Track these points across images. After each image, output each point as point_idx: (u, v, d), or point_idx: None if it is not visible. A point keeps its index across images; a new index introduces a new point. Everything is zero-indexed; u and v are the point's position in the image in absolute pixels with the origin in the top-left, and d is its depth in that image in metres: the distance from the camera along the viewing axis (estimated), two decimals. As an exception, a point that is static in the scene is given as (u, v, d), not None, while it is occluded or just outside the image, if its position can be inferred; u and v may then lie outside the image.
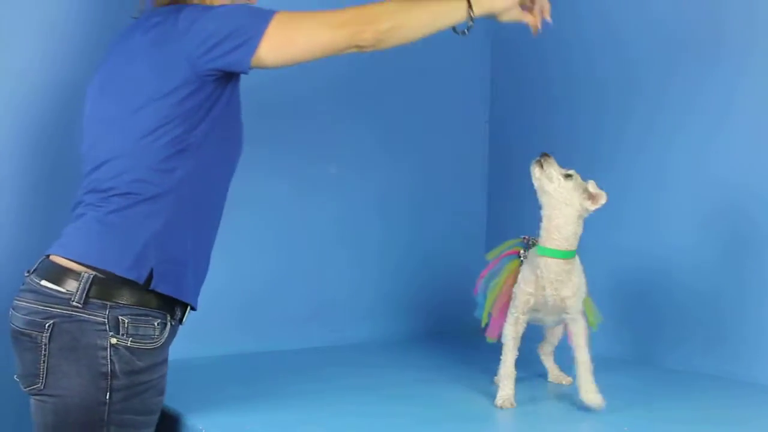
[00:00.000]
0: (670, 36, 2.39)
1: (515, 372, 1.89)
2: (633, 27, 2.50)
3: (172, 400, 1.75)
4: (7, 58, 2.10)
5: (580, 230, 1.85)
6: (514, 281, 1.98)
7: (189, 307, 1.70)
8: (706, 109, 2.30)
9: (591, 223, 2.53)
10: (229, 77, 1.63)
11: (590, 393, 1.82)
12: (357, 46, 1.61)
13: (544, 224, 1.84)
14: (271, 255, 2.54)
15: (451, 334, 2.69)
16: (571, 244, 1.84)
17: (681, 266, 2.34)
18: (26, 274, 1.62)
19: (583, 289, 1.89)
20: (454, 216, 2.91)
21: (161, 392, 1.66)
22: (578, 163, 2.61)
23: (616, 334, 2.38)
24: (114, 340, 1.55)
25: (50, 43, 2.15)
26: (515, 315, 1.90)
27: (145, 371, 1.59)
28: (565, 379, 2.13)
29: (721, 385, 2.14)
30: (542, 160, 1.84)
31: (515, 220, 2.71)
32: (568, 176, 1.84)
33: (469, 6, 1.68)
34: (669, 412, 1.86)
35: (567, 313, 1.88)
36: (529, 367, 2.26)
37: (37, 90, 2.14)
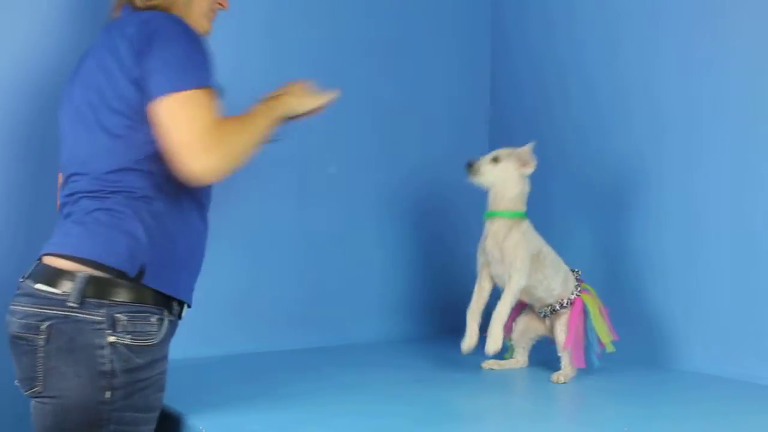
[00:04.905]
0: (661, 29, 2.40)
1: (479, 316, 2.16)
2: (630, 25, 2.50)
3: (172, 400, 1.75)
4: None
5: (527, 189, 2.16)
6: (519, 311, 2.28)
7: (186, 304, 1.71)
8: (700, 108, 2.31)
9: (598, 225, 2.56)
10: None
11: (490, 339, 2.05)
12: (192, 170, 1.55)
13: (491, 196, 2.16)
14: (270, 255, 2.54)
15: (449, 334, 2.69)
16: (516, 204, 2.14)
17: (680, 266, 2.34)
18: (21, 280, 1.62)
19: (524, 245, 2.11)
20: (454, 216, 2.91)
21: (161, 389, 1.65)
22: (580, 162, 2.64)
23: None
24: (112, 339, 1.54)
25: (35, 44, 2.14)
26: (479, 268, 2.20)
27: (144, 368, 1.59)
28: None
29: (721, 384, 2.14)
30: (470, 169, 2.14)
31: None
32: (494, 160, 2.14)
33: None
34: (669, 412, 1.87)
35: (505, 263, 2.10)
36: (528, 366, 2.29)
37: (23, 91, 2.13)
